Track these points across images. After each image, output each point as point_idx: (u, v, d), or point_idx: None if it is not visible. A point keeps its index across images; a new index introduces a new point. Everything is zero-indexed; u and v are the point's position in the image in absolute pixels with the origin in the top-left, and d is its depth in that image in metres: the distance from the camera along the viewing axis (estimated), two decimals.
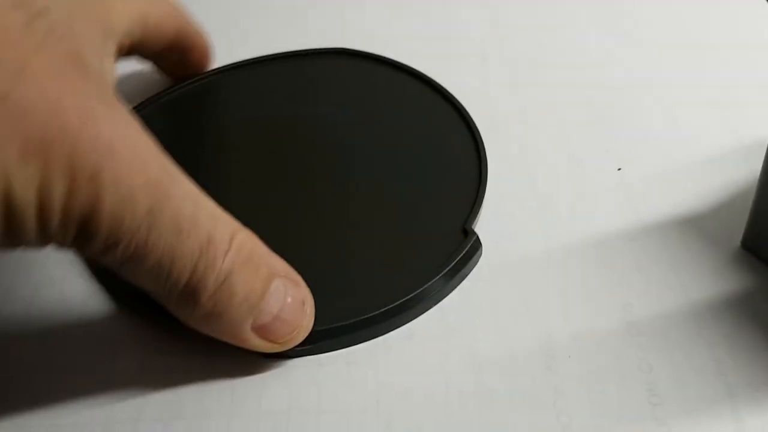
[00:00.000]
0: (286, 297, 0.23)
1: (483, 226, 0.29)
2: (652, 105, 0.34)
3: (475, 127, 0.31)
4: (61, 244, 0.20)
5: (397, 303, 0.25)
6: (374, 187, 0.29)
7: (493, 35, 0.38)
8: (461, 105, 0.32)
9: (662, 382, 0.24)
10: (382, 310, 0.25)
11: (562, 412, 0.23)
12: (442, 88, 0.33)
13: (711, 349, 0.25)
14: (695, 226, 0.28)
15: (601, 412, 0.23)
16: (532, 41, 0.38)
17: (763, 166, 0.25)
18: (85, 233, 0.20)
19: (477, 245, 0.27)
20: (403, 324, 0.26)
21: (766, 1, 0.38)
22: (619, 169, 0.31)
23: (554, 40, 0.38)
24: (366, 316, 0.25)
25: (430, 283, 0.26)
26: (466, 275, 0.27)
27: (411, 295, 0.26)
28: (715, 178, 0.30)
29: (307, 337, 0.24)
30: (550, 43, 0.38)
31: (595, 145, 0.32)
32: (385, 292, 0.26)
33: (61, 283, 0.28)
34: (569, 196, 0.30)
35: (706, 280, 0.27)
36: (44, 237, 0.20)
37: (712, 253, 0.27)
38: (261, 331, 0.23)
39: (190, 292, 0.22)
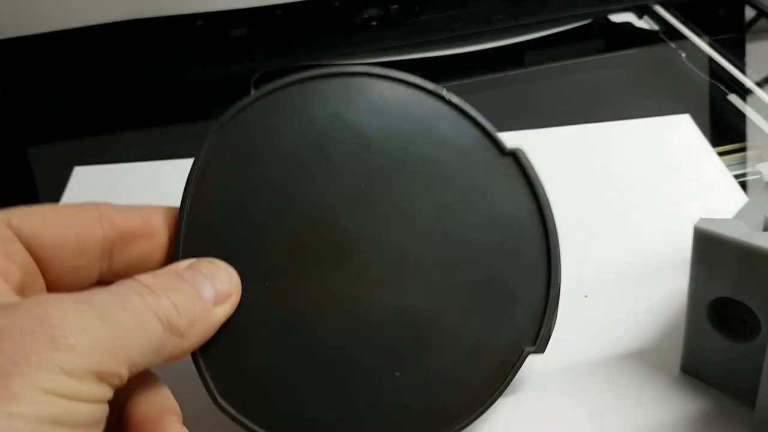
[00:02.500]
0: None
1: None
2: (612, 240, 0.41)
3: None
4: None
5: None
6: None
7: None
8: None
9: None
10: None
11: None
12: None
13: None
14: (643, 356, 0.34)
15: None
16: None
17: (688, 300, 0.31)
18: None
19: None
20: None
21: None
22: (586, 296, 0.37)
23: None
24: None
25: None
26: None
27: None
28: (663, 309, 0.37)
29: None
30: None
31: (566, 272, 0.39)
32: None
33: None
34: None
35: (658, 397, 0.33)
36: None
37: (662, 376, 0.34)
38: None
39: None
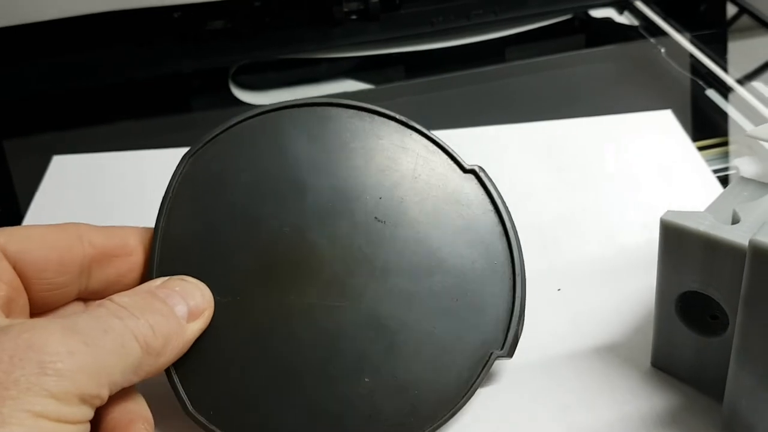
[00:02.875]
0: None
1: None
2: (586, 234, 0.41)
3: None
4: None
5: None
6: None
7: None
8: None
9: None
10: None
11: None
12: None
13: None
14: (614, 350, 0.35)
15: None
16: None
17: (656, 293, 0.31)
18: None
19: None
20: None
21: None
22: (559, 290, 0.37)
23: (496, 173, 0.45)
24: None
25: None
26: None
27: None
28: (635, 304, 0.37)
29: None
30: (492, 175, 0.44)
31: (540, 265, 0.39)
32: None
33: None
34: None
35: (626, 391, 0.33)
36: None
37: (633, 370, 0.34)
38: None
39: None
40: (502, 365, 0.34)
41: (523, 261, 0.33)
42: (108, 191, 0.45)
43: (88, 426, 0.25)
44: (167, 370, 0.30)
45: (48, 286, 0.30)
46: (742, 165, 0.48)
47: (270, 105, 0.34)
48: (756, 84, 0.57)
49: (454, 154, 0.35)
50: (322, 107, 0.34)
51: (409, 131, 0.35)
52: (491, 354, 0.32)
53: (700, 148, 0.49)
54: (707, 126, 0.54)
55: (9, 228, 0.29)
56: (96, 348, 0.25)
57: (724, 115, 0.54)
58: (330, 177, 0.33)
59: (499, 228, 0.34)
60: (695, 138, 0.50)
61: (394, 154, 0.34)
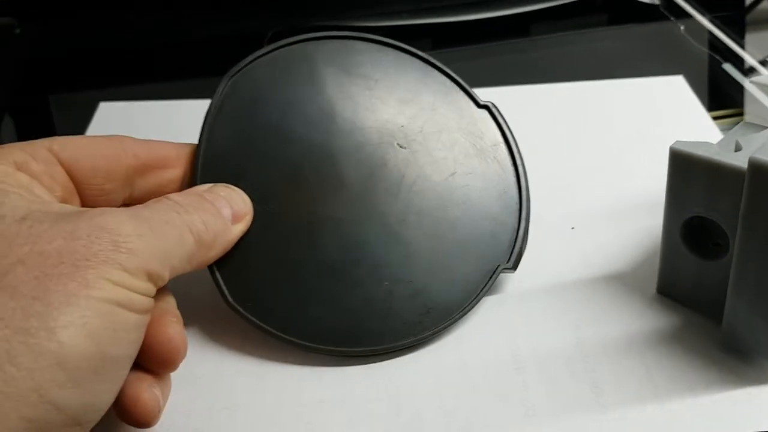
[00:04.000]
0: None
1: None
2: (599, 182, 0.43)
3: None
4: None
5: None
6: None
7: None
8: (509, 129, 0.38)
9: (603, 381, 0.32)
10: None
11: (527, 401, 0.31)
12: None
13: (641, 357, 0.33)
14: (622, 279, 0.37)
15: (557, 401, 0.31)
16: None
17: (663, 220, 0.34)
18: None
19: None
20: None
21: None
22: (573, 228, 0.40)
23: (520, 127, 0.47)
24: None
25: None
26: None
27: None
28: (643, 241, 0.39)
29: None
30: (516, 129, 0.47)
31: (555, 208, 0.41)
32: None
33: None
34: (535, 248, 0.39)
35: (633, 313, 0.35)
36: None
37: (638, 297, 0.36)
38: None
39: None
40: (520, 288, 0.37)
41: (528, 189, 0.37)
42: (153, 137, 0.48)
43: (152, 301, 0.28)
44: (210, 267, 0.33)
45: (97, 191, 0.32)
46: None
47: (305, 35, 0.37)
48: None
49: (470, 91, 0.38)
50: (352, 40, 0.37)
51: (430, 68, 0.38)
52: (498, 266, 0.35)
53: (716, 118, 0.51)
54: (723, 97, 0.56)
55: (62, 137, 0.32)
56: (159, 234, 0.28)
57: (739, 87, 0.56)
58: (356, 104, 0.36)
59: (509, 159, 0.37)
60: (711, 108, 0.52)
61: (415, 87, 0.37)
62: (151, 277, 0.27)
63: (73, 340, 0.23)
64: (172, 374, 0.30)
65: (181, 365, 0.33)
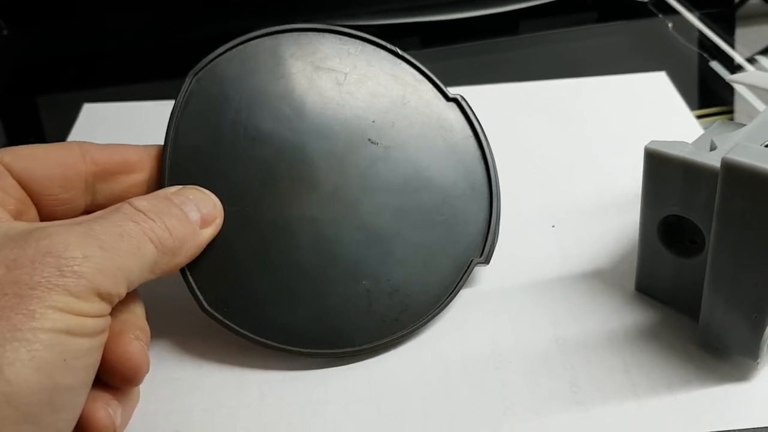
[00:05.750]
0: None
1: None
2: (580, 178, 0.43)
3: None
4: None
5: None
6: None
7: None
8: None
9: (581, 377, 0.32)
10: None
11: (506, 399, 0.32)
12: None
13: (619, 354, 0.33)
14: (601, 276, 0.37)
15: (536, 398, 0.32)
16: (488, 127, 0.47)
17: (640, 219, 0.34)
18: None
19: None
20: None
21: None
22: (553, 226, 0.40)
23: (502, 125, 0.47)
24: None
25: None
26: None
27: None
28: (622, 238, 0.39)
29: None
30: (499, 127, 0.47)
31: (536, 205, 0.41)
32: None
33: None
34: (516, 245, 0.39)
35: (611, 311, 0.35)
36: None
37: (617, 294, 0.37)
38: None
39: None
40: (500, 285, 0.37)
41: (498, 181, 0.37)
42: (137, 138, 0.48)
43: (108, 319, 0.27)
44: (183, 272, 0.32)
45: (55, 201, 0.31)
46: None
47: (268, 29, 0.36)
48: (760, 58, 0.59)
49: (439, 84, 0.38)
50: (318, 33, 0.37)
51: (399, 60, 0.37)
52: (471, 261, 0.35)
53: (704, 116, 0.51)
54: (711, 95, 0.56)
55: (13, 147, 0.31)
56: (111, 251, 0.27)
57: (727, 86, 0.56)
58: (326, 99, 0.36)
59: (478, 152, 0.37)
60: (699, 106, 0.52)
61: (385, 81, 0.37)
62: (102, 296, 0.26)
63: (20, 376, 0.23)
64: (150, 377, 0.30)
65: (160, 368, 0.33)
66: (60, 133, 0.50)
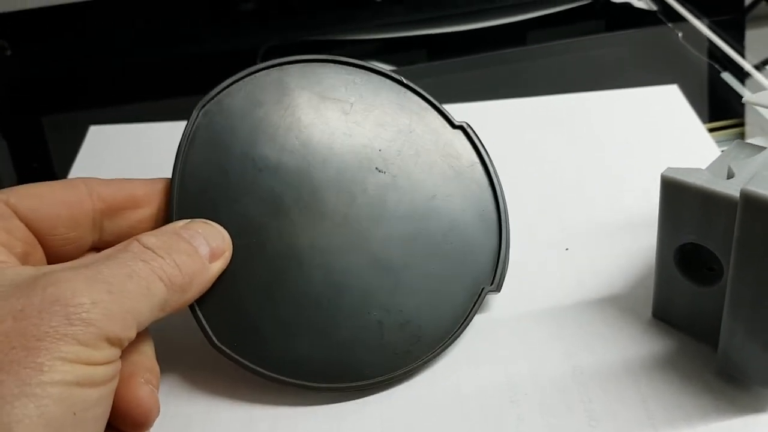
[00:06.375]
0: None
1: None
2: (594, 199, 0.43)
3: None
4: None
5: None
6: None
7: None
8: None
9: (598, 410, 0.32)
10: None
11: None
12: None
13: (636, 384, 0.33)
14: (616, 302, 0.37)
15: None
16: (497, 145, 0.46)
17: (657, 246, 0.33)
18: None
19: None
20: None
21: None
22: (567, 249, 0.39)
23: (511, 143, 0.47)
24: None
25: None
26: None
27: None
28: (638, 262, 0.39)
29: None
30: (507, 145, 0.46)
31: (548, 227, 0.41)
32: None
33: None
34: (529, 270, 0.38)
35: (629, 338, 0.35)
36: None
37: (633, 321, 0.36)
38: None
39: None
40: (513, 313, 0.36)
41: (506, 208, 0.36)
42: (144, 161, 0.48)
43: (118, 364, 0.26)
44: (192, 308, 0.32)
45: (62, 240, 0.31)
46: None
47: (274, 61, 0.36)
48: None
49: (445, 112, 0.37)
50: (322, 63, 0.37)
51: (403, 89, 0.37)
52: (483, 289, 0.35)
53: (715, 129, 0.51)
54: (722, 107, 0.55)
55: (18, 187, 0.31)
56: (120, 294, 0.26)
57: (739, 98, 0.55)
58: (333, 129, 0.36)
59: (486, 179, 0.37)
60: (710, 119, 0.51)
61: (391, 110, 0.37)
62: (112, 341, 0.26)
63: None
64: (160, 413, 0.29)
65: (171, 403, 0.33)
66: (66, 156, 0.50)
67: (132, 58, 0.62)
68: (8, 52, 0.62)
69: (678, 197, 0.31)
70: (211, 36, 0.63)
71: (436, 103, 0.37)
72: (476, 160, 0.37)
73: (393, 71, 0.38)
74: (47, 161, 0.54)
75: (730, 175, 0.31)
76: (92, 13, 0.61)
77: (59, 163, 0.52)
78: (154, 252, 0.29)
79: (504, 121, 0.50)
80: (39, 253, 0.30)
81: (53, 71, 0.62)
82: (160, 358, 0.31)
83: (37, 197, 0.30)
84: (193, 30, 0.63)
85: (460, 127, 0.37)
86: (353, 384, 0.33)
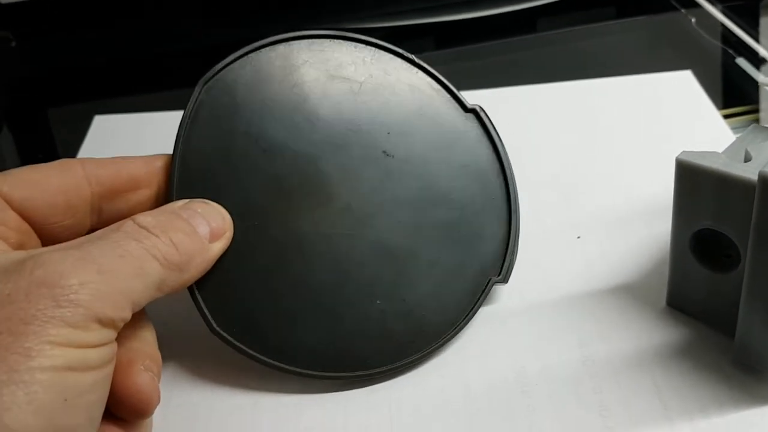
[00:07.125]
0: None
1: None
2: (606, 186, 0.42)
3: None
4: None
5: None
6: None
7: None
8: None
9: (610, 400, 0.31)
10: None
11: (534, 425, 0.30)
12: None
13: (650, 374, 0.32)
14: (630, 291, 0.36)
15: (564, 424, 0.30)
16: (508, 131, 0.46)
17: (671, 232, 0.32)
18: None
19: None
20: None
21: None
22: (579, 237, 0.39)
23: (521, 130, 0.46)
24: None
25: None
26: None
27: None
28: (652, 249, 0.38)
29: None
30: (518, 132, 0.45)
31: (561, 217, 0.40)
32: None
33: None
34: (540, 258, 0.37)
35: (642, 327, 0.34)
36: None
37: (647, 309, 0.35)
38: None
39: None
40: (525, 301, 0.36)
41: (517, 196, 0.35)
42: (149, 150, 0.47)
43: (113, 346, 0.25)
44: (191, 290, 0.31)
45: (58, 228, 0.30)
46: None
47: (280, 36, 0.35)
48: None
49: (457, 94, 0.36)
50: (332, 39, 0.35)
51: (415, 68, 0.36)
52: (489, 280, 0.34)
53: (730, 115, 0.50)
54: (737, 94, 0.54)
55: (12, 172, 0.30)
56: (110, 274, 0.25)
57: (754, 83, 0.54)
58: (340, 110, 0.34)
59: (497, 165, 0.35)
60: (725, 105, 0.50)
61: (401, 91, 0.35)
62: (104, 323, 0.25)
63: (19, 421, 0.22)
64: (163, 401, 0.29)
65: (173, 392, 0.32)
66: (71, 147, 0.49)
67: (137, 49, 0.62)
68: (13, 44, 0.61)
69: (694, 181, 0.30)
70: (215, 26, 0.62)
71: (449, 84, 0.36)
72: (488, 145, 0.36)
73: (395, 47, 0.36)
74: (52, 152, 0.54)
75: (747, 159, 0.30)
76: (96, 3, 0.60)
77: (64, 154, 0.52)
78: (148, 231, 0.28)
79: (514, 108, 0.49)
80: (34, 242, 0.30)
81: (58, 62, 0.61)
82: (163, 347, 0.30)
83: (32, 185, 0.29)
84: (198, 21, 0.63)
85: (473, 111, 0.36)
86: (355, 373, 0.32)
